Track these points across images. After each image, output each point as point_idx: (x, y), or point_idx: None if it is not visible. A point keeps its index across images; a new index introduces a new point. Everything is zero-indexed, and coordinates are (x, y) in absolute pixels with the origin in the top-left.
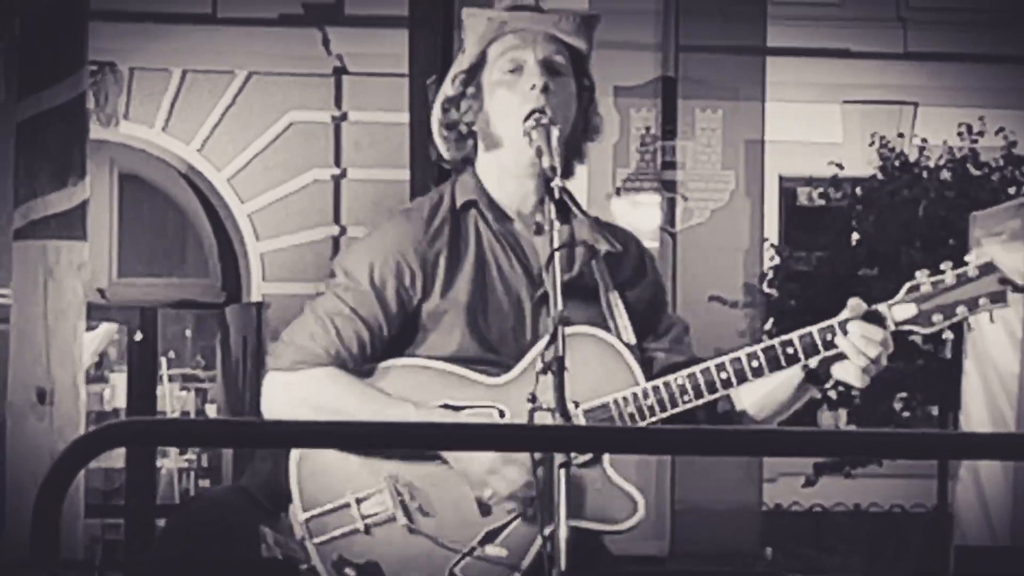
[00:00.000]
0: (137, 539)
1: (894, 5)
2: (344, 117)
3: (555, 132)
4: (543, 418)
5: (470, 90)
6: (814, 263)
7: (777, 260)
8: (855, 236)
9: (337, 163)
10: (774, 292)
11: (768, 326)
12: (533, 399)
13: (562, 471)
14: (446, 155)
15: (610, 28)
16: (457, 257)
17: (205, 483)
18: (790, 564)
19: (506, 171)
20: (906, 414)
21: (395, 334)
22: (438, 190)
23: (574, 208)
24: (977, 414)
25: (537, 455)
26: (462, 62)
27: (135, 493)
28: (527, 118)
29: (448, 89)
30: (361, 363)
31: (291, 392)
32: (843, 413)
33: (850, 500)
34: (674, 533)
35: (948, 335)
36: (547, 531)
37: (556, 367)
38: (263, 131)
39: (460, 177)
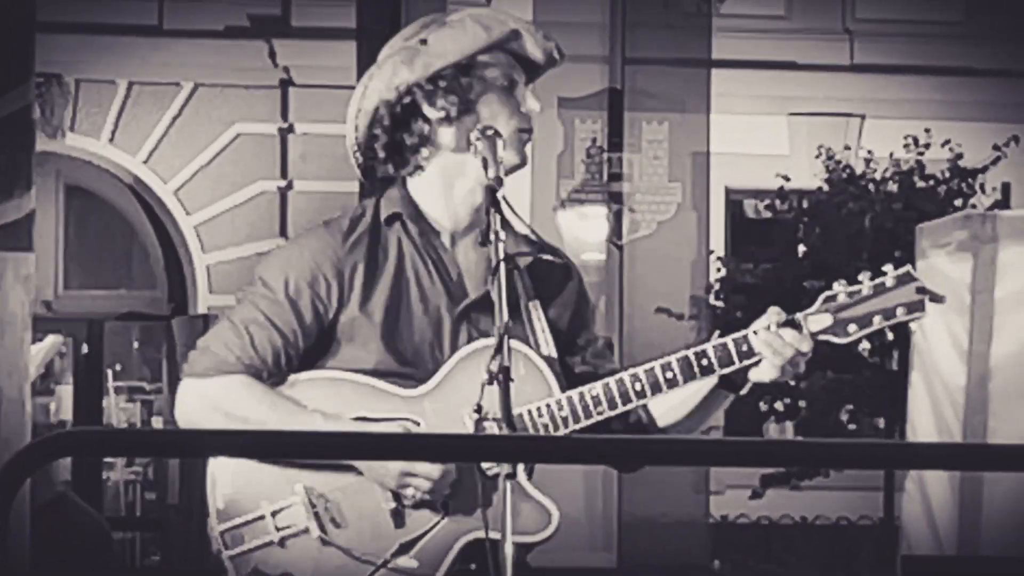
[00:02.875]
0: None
1: (840, 18)
2: (291, 129)
3: (500, 143)
4: (490, 428)
5: (464, 81)
6: (760, 275)
7: (724, 272)
8: (801, 248)
9: (283, 175)
10: (720, 304)
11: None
12: (479, 409)
13: (507, 483)
14: (378, 170)
15: (556, 39)
16: (375, 270)
17: (151, 495)
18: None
19: (457, 180)
20: (852, 426)
21: (311, 345)
22: (363, 203)
23: (513, 217)
24: (923, 426)
25: (449, 466)
26: (443, 56)
27: None
28: (520, 128)
29: (411, 77)
30: (275, 372)
31: (203, 398)
32: (789, 425)
33: (797, 512)
34: (622, 545)
35: (891, 336)
36: (462, 542)
37: (502, 377)
38: (209, 143)
39: (388, 191)
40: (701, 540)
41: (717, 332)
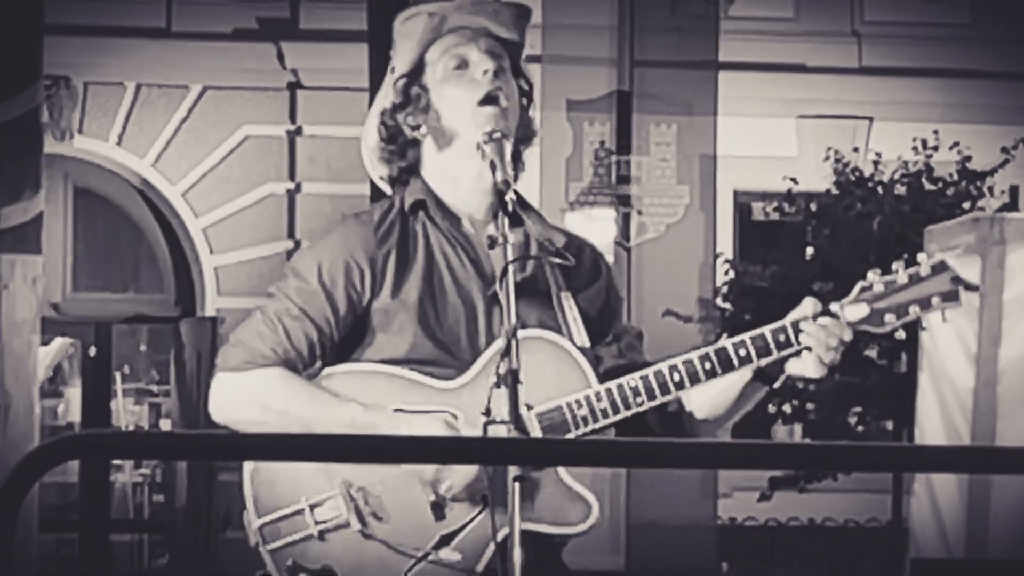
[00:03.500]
0: (91, 554)
1: (849, 20)
2: (299, 131)
3: (508, 146)
4: (497, 431)
5: (414, 92)
6: (768, 278)
7: (732, 275)
8: (810, 251)
9: (291, 177)
10: (728, 307)
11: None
12: (488, 412)
13: (516, 484)
14: (385, 172)
15: (564, 42)
16: (407, 257)
17: (159, 498)
18: None
19: (461, 166)
20: (860, 428)
21: (345, 334)
22: (389, 197)
23: (526, 212)
24: (931, 428)
25: None
26: (400, 67)
27: (89, 508)
28: (483, 97)
29: (389, 98)
30: (310, 363)
31: (240, 392)
32: (798, 428)
33: (805, 515)
34: (630, 548)
35: (902, 337)
36: (499, 536)
37: (510, 380)
38: (217, 145)
39: (410, 182)
40: (709, 543)
41: (726, 335)
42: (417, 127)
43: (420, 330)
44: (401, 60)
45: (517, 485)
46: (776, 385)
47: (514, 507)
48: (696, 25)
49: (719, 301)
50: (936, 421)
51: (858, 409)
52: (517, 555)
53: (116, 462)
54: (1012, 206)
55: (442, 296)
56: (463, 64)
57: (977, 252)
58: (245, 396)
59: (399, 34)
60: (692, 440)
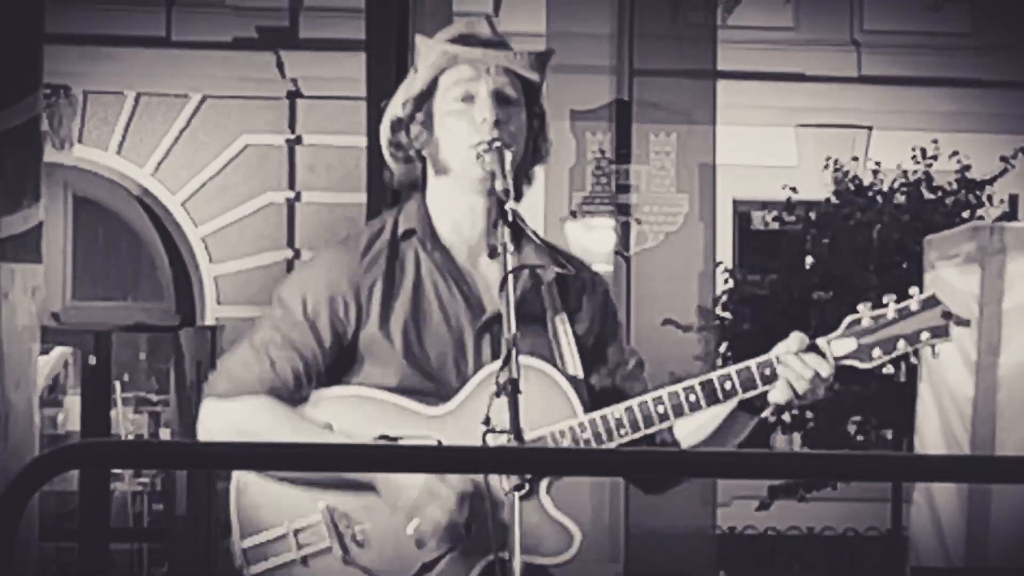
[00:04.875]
0: (90, 563)
1: (848, 29)
2: (298, 140)
3: (508, 155)
4: (497, 441)
5: (419, 115)
6: (768, 287)
7: (731, 284)
8: (809, 260)
9: (291, 186)
10: (728, 316)
11: (723, 350)
12: (487, 422)
13: (516, 494)
14: (396, 174)
15: (566, 51)
16: (393, 286)
17: (158, 506)
18: None
19: (456, 197)
20: (860, 438)
21: (332, 363)
22: (382, 217)
23: (526, 231)
24: (931, 437)
25: (468, 489)
26: (412, 87)
27: (89, 517)
28: (479, 142)
29: (397, 111)
30: (296, 392)
31: (225, 419)
32: (797, 437)
33: (804, 524)
34: (628, 557)
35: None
36: (484, 562)
37: (510, 389)
38: (217, 154)
39: (406, 204)
40: (708, 552)
41: (724, 343)
42: (419, 148)
43: (405, 361)
44: (415, 78)
45: (516, 496)
46: (764, 415)
47: (514, 520)
48: (696, 34)
49: (719, 310)
50: (936, 430)
51: (858, 418)
52: (517, 561)
53: (115, 471)
54: (1012, 215)
55: (429, 326)
56: (469, 99)
57: (976, 261)
58: (230, 423)
59: (417, 52)
60: (692, 450)
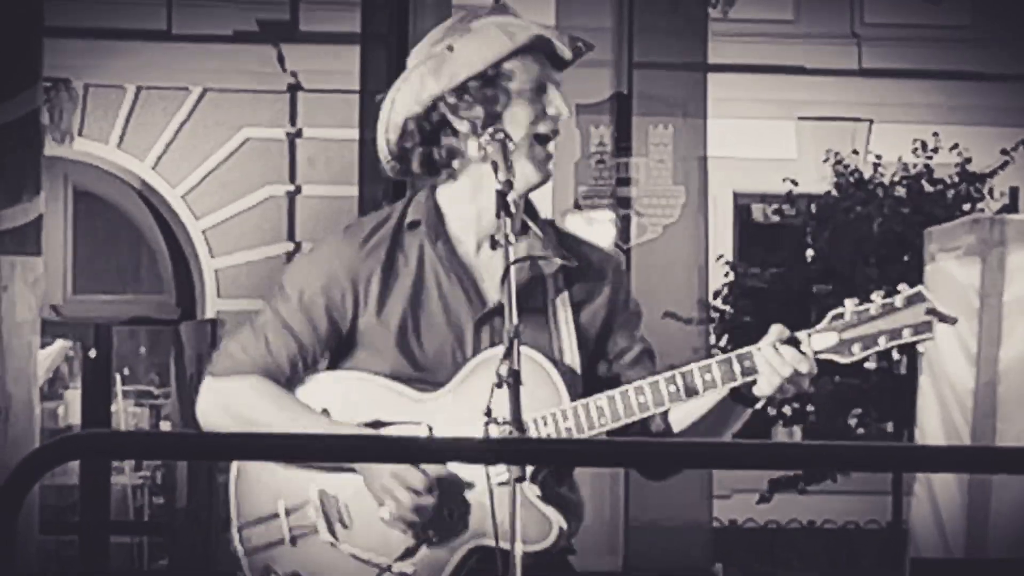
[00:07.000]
0: (91, 556)
1: (849, 22)
2: (299, 133)
3: (511, 146)
4: (498, 431)
5: (488, 93)
6: (768, 279)
7: (731, 276)
8: (810, 252)
9: (292, 179)
10: (728, 308)
11: (723, 343)
12: (488, 412)
13: (517, 486)
14: (390, 172)
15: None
16: (394, 276)
17: (159, 499)
18: None
19: (482, 184)
20: (861, 430)
21: (328, 350)
22: (390, 207)
23: (530, 222)
24: (932, 430)
25: (443, 474)
26: (468, 69)
27: (89, 510)
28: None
29: (431, 92)
30: (291, 375)
31: (217, 398)
32: (798, 429)
33: (804, 516)
34: (628, 549)
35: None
36: (465, 548)
37: (512, 380)
38: (217, 147)
39: (415, 196)
40: (707, 544)
41: (725, 335)
42: (471, 124)
43: (399, 352)
44: (468, 60)
45: (517, 487)
46: (759, 406)
47: (515, 509)
48: (695, 27)
49: (719, 303)
50: (936, 422)
51: (858, 411)
52: (519, 547)
53: (116, 464)
54: (1012, 208)
55: (428, 318)
56: (540, 90)
57: (977, 253)
58: (220, 402)
59: (462, 39)
60: (692, 440)
